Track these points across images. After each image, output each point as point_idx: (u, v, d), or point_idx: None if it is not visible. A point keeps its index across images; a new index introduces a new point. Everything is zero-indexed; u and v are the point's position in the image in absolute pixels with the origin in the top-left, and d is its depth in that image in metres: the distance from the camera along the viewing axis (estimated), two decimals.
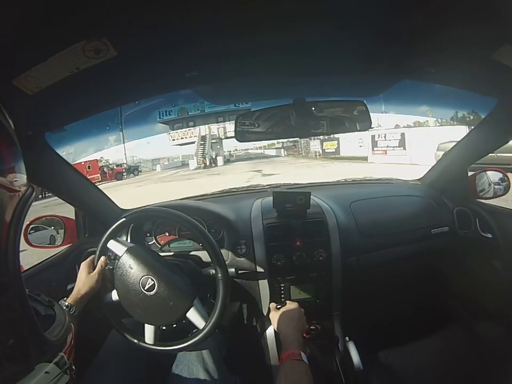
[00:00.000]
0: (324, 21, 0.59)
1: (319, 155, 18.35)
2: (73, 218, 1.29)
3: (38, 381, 0.34)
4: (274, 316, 0.99)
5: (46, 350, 0.37)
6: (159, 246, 1.20)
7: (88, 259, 0.94)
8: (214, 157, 21.68)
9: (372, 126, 0.82)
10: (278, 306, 1.02)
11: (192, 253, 1.10)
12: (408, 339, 1.29)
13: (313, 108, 0.81)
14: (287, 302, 1.02)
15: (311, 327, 1.16)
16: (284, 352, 0.82)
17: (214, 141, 23.24)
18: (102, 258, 0.93)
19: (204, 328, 0.86)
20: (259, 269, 1.11)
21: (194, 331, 0.90)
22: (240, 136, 0.81)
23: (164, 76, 0.72)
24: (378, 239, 1.23)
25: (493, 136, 1.08)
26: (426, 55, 0.73)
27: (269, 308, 1.10)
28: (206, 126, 22.82)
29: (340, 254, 1.12)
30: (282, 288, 1.13)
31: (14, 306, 0.33)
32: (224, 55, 0.69)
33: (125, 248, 0.91)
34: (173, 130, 22.62)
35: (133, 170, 20.66)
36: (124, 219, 0.99)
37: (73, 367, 0.46)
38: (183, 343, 0.89)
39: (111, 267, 0.95)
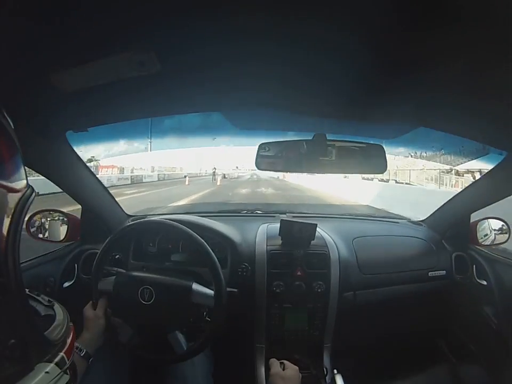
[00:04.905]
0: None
1: None
2: (78, 216, 1.29)
3: (38, 381, 0.34)
4: (277, 378, 0.90)
5: (46, 350, 0.37)
6: (161, 257, 1.20)
7: (88, 304, 0.96)
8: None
9: (387, 170, 0.84)
10: (280, 366, 0.93)
11: (192, 268, 1.11)
12: (394, 375, 1.30)
13: (333, 146, 0.83)
14: (286, 362, 0.95)
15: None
16: None
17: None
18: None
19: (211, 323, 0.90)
20: (258, 294, 1.13)
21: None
22: (259, 164, 0.83)
23: (201, 97, 0.74)
24: (376, 277, 1.25)
25: (499, 187, 1.11)
26: (442, 106, 0.75)
27: (269, 363, 0.99)
28: None
29: (338, 288, 1.14)
30: (277, 314, 1.14)
31: (14, 306, 0.33)
32: (261, 88, 0.71)
33: (113, 278, 0.95)
34: None
35: None
36: (130, 225, 1.01)
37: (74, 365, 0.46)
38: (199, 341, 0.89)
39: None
